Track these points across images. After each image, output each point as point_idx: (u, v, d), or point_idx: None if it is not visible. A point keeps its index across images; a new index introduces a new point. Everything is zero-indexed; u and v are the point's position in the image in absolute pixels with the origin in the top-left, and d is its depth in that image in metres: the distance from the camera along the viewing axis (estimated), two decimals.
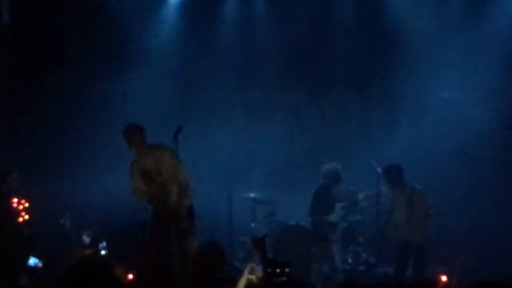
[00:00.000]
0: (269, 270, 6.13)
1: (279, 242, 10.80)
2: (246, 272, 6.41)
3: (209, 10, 12.63)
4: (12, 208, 10.01)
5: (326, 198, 10.84)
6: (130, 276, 8.01)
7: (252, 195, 11.47)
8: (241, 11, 12.68)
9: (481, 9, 11.97)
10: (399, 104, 12.43)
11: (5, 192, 9.99)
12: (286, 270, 6.19)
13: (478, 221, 11.39)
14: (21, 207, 10.04)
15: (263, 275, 6.26)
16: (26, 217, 10.00)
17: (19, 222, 9.95)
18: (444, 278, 9.80)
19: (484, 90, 11.81)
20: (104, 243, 7.39)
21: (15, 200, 10.05)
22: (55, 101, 12.16)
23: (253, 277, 6.30)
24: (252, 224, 11.32)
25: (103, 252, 7.35)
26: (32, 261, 6.54)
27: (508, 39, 11.84)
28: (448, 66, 11.91)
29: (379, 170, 10.99)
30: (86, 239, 6.86)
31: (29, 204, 10.13)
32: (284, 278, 6.10)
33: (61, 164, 11.84)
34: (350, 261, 11.21)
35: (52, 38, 12.22)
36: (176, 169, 9.16)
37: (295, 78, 12.73)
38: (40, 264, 6.50)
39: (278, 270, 6.15)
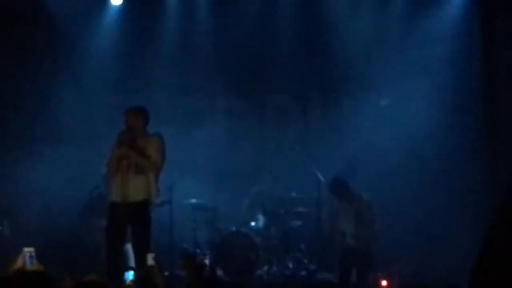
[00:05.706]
0: None
1: (220, 248, 10.87)
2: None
3: (150, 14, 12.53)
4: None
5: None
6: None
7: (193, 201, 11.40)
8: (183, 15, 12.61)
9: (422, 11, 12.09)
10: (339, 112, 12.48)
11: None
12: None
13: (418, 226, 11.54)
14: None
15: None
16: None
17: None
18: (384, 282, 9.94)
19: (424, 92, 11.95)
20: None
21: None
22: None
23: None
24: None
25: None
26: None
27: (449, 40, 11.99)
28: (388, 73, 12.02)
29: (320, 177, 11.10)
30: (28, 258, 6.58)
31: None
32: None
33: None
34: (290, 266, 11.21)
35: None
36: (159, 158, 8.82)
37: (235, 83, 12.71)
38: None
39: None
